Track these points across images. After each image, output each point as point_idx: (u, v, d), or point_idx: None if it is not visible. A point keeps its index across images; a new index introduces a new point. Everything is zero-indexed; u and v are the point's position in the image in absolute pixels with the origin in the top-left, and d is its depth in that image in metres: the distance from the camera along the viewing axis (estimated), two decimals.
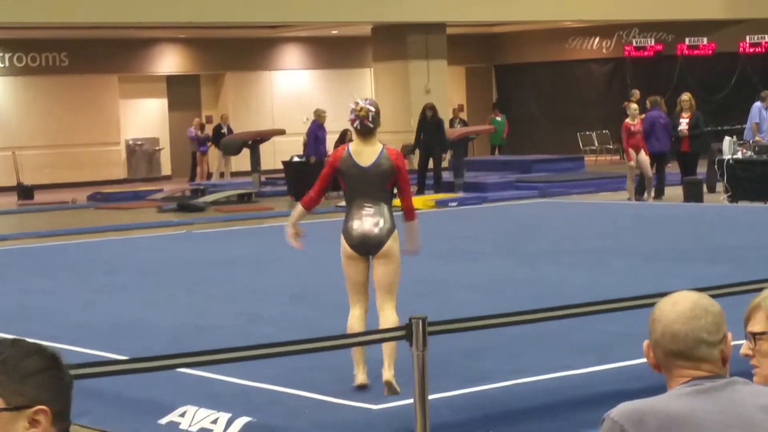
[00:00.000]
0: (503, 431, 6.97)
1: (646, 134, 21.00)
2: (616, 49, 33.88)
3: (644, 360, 2.96)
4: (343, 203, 7.83)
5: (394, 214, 7.85)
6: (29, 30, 27.19)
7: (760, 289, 3.20)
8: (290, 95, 33.54)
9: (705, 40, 32.05)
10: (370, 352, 7.79)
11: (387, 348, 7.58)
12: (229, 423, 7.11)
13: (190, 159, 30.86)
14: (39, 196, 26.79)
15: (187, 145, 31.10)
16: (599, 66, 34.85)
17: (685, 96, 21.25)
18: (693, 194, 20.31)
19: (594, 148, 33.44)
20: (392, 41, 29.64)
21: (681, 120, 20.84)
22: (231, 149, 27.82)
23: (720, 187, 20.86)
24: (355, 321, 7.77)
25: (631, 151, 20.81)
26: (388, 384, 7.53)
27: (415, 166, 24.50)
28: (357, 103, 7.85)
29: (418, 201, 22.03)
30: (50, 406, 2.28)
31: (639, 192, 21.22)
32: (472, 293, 11.57)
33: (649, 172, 20.88)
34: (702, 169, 21.89)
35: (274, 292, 12.15)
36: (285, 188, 25.22)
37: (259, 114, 32.92)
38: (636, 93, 26.80)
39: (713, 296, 7.12)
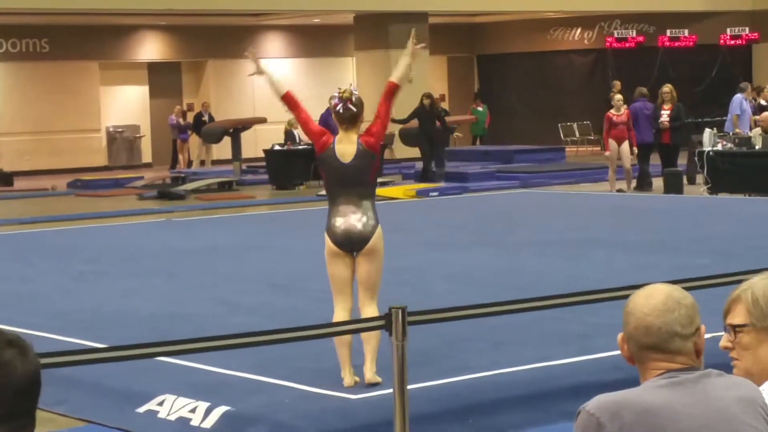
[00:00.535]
0: (483, 421, 6.97)
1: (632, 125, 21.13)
2: (597, 40, 33.93)
3: None
4: (324, 192, 7.76)
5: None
6: (9, 16, 27.03)
7: (740, 281, 3.20)
8: None
9: (686, 32, 32.11)
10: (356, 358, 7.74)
11: (369, 347, 7.56)
12: (207, 412, 7.09)
13: (171, 147, 30.78)
14: (18, 183, 26.67)
15: (168, 132, 31.02)
16: (581, 57, 34.89)
17: (666, 88, 21.26)
18: (673, 186, 20.35)
19: (575, 138, 33.49)
20: (374, 30, 29.62)
21: (662, 112, 20.85)
22: (212, 137, 27.76)
23: (700, 178, 20.91)
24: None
25: (611, 142, 20.82)
26: (370, 383, 7.54)
27: (396, 156, 24.44)
28: (340, 88, 7.83)
29: (399, 190, 22.05)
30: None
31: (639, 186, 21.19)
32: (452, 283, 11.56)
33: (628, 164, 20.90)
34: (682, 160, 21.93)
35: (254, 281, 12.12)
36: (266, 177, 25.16)
37: (241, 102, 32.84)
38: (617, 84, 26.83)
39: (693, 288, 7.12)
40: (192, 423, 7.05)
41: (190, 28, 31.89)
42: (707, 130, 20.55)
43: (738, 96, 22.89)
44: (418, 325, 6.65)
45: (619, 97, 21.73)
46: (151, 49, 32.49)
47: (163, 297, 11.30)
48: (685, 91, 25.09)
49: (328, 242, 7.64)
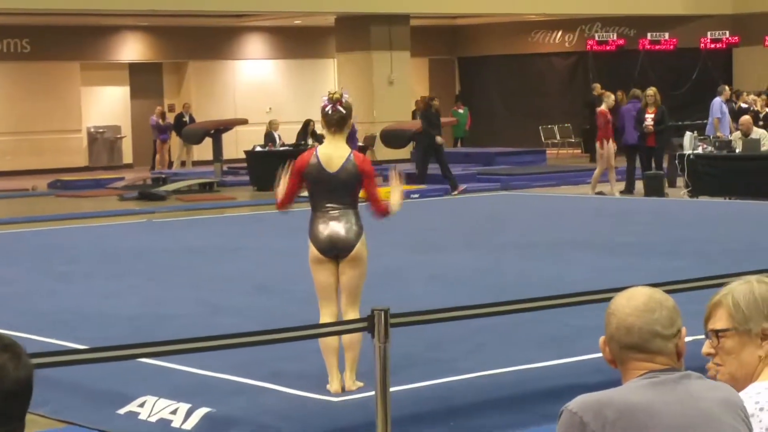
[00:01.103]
0: (465, 424, 6.97)
1: (620, 126, 21.23)
2: (578, 42, 34.01)
3: None
4: (306, 193, 7.72)
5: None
6: None
7: (721, 284, 3.21)
8: (253, 85, 33.43)
9: (667, 35, 32.22)
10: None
11: (350, 355, 7.55)
12: (188, 414, 7.07)
13: (152, 147, 30.71)
14: None
15: (149, 133, 30.94)
16: (561, 59, 34.96)
17: (650, 91, 21.27)
18: (654, 188, 20.42)
19: (556, 141, 33.54)
20: (356, 32, 29.63)
21: (647, 115, 20.86)
22: (193, 138, 27.72)
23: (680, 182, 20.97)
24: None
25: (603, 141, 20.91)
26: (350, 390, 7.53)
27: (377, 158, 24.38)
28: (329, 91, 7.80)
29: (380, 192, 21.93)
30: None
31: (628, 190, 21.23)
32: (434, 285, 11.57)
33: (612, 162, 20.97)
34: (663, 163, 22.00)
35: (235, 282, 12.10)
36: (247, 178, 25.13)
37: (222, 103, 32.80)
38: (597, 87, 26.91)
39: (674, 290, 7.14)
40: (173, 424, 7.03)
41: (171, 29, 31.82)
42: (688, 134, 20.62)
43: (718, 99, 22.98)
44: (401, 327, 6.65)
45: (613, 96, 21.88)
46: (132, 49, 32.41)
47: (144, 298, 11.27)
48: (666, 94, 25.12)
49: (312, 249, 7.59)
